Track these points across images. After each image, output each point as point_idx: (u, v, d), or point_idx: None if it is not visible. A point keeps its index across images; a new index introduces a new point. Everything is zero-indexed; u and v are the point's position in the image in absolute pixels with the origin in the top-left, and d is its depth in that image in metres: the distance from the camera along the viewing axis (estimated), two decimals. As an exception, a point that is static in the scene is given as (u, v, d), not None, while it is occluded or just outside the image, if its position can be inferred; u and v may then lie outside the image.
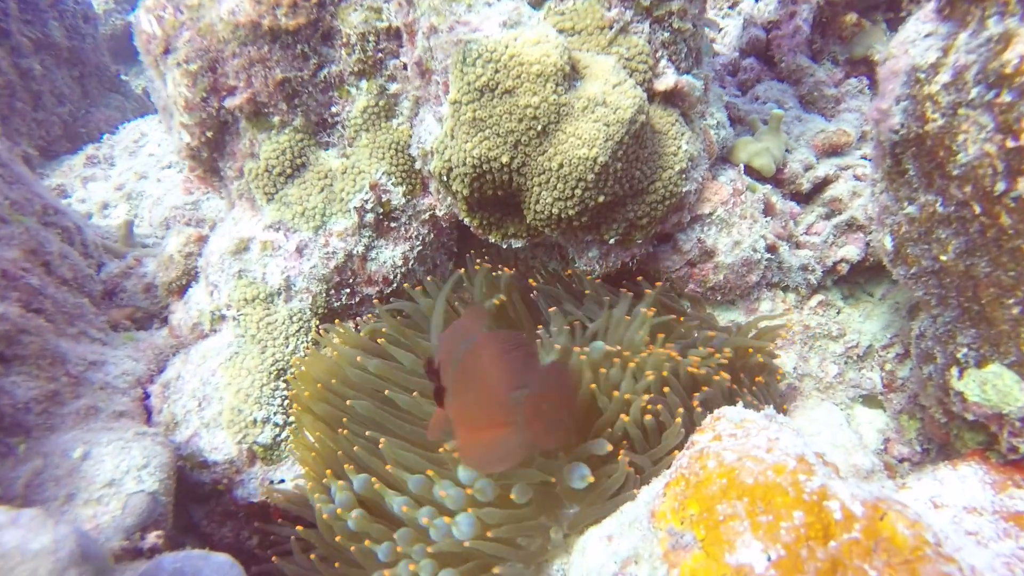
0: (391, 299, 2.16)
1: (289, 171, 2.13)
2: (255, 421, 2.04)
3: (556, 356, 1.67)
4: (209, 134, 2.15)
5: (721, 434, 1.30)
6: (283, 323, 2.10)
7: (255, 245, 2.15)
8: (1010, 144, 1.23)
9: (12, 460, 1.58)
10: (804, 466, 1.18)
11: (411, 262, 2.15)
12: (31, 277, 2.08)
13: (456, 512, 1.53)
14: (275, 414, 2.06)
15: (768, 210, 2.10)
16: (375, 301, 2.14)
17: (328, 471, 1.80)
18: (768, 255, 2.02)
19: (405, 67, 2.05)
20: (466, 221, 1.91)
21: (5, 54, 4.46)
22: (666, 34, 1.85)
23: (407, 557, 1.57)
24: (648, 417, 1.55)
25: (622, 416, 1.55)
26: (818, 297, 2.13)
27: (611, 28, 1.78)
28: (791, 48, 2.60)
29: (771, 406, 1.83)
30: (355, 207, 2.08)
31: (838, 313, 2.16)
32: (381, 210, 2.10)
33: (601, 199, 1.71)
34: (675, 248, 2.00)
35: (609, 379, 1.63)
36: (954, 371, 1.46)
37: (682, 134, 1.84)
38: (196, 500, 2.08)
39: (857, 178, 2.22)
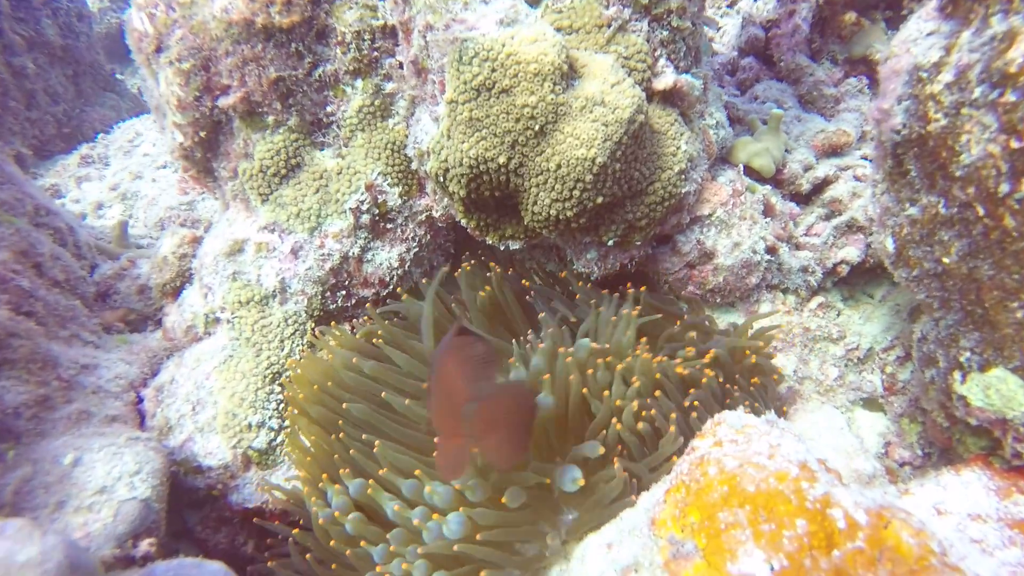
0: (387, 301, 2.14)
1: (284, 171, 2.10)
2: (250, 425, 2.01)
3: (539, 357, 1.66)
4: (203, 134, 2.13)
5: (722, 440, 1.28)
6: (278, 326, 2.08)
7: (250, 247, 2.12)
8: (1014, 145, 1.21)
9: (1, 467, 1.55)
10: (807, 473, 1.16)
11: (407, 264, 2.13)
12: (22, 279, 2.05)
13: (447, 511, 1.53)
14: (270, 418, 2.04)
15: (768, 211, 2.08)
16: (367, 305, 2.11)
17: (324, 475, 1.78)
18: (768, 257, 2.00)
19: (401, 66, 2.03)
20: (463, 222, 1.89)
21: (-2, 53, 4.43)
22: (665, 32, 1.83)
23: (401, 556, 1.56)
24: (641, 425, 1.55)
25: (615, 424, 1.53)
26: (818, 299, 2.11)
27: (609, 26, 1.76)
28: (790, 47, 2.58)
29: (772, 410, 1.83)
30: (351, 208, 2.06)
31: (838, 315, 2.14)
32: (377, 211, 2.08)
33: (600, 200, 1.69)
34: (674, 250, 1.98)
35: (598, 381, 1.61)
36: (957, 375, 1.44)
37: (681, 134, 1.82)
38: (190, 505, 2.06)
39: (857, 178, 2.20)
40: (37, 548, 1.05)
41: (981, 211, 1.30)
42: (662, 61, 1.81)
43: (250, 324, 2.08)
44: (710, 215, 1.95)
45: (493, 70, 1.61)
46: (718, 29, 3.14)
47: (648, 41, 1.79)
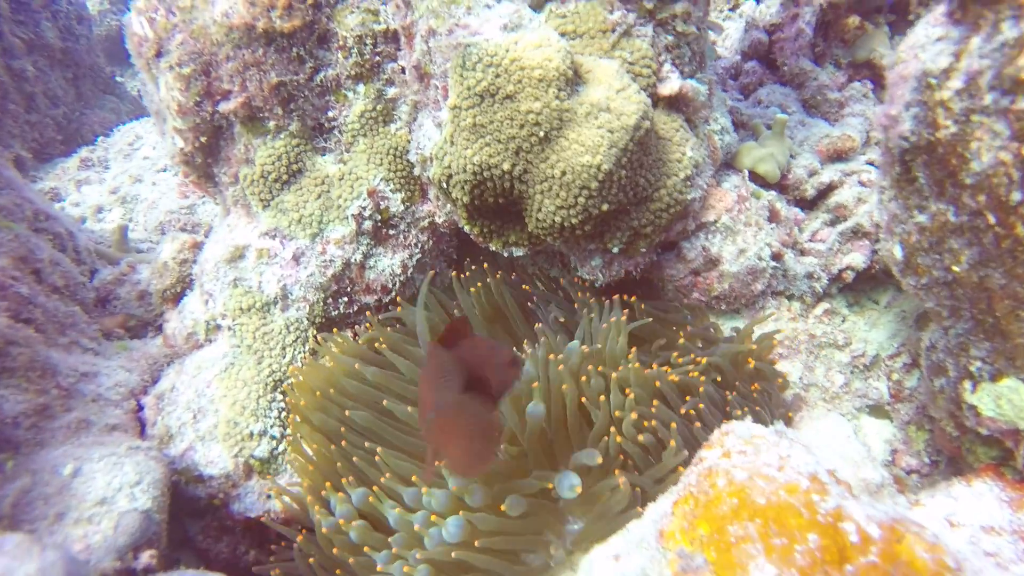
0: (390, 308, 2.13)
1: (285, 177, 2.08)
2: (251, 434, 1.99)
3: (531, 363, 1.66)
4: (203, 139, 2.11)
5: (730, 451, 1.27)
6: (280, 333, 2.06)
7: (251, 253, 2.11)
8: (1027, 153, 1.20)
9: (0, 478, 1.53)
10: (817, 485, 1.15)
11: (410, 270, 2.12)
12: (20, 286, 2.04)
13: (445, 515, 1.53)
14: (272, 426, 2.02)
15: (773, 217, 2.07)
16: (367, 313, 2.10)
17: (327, 483, 1.77)
18: (773, 263, 1.99)
19: (403, 71, 2.01)
20: (466, 229, 1.87)
21: (-3, 56, 4.41)
22: (670, 38, 1.81)
23: (403, 559, 1.55)
24: (642, 437, 1.54)
25: (616, 438, 1.54)
26: (823, 305, 2.10)
27: (614, 31, 1.75)
28: (794, 51, 2.56)
29: (778, 418, 1.81)
30: (353, 214, 2.04)
31: (843, 321, 2.13)
32: (379, 217, 2.06)
33: (605, 207, 1.67)
34: (679, 256, 1.96)
35: (592, 388, 1.61)
36: (967, 384, 1.42)
37: (687, 140, 1.81)
38: (191, 514, 2.04)
39: (862, 184, 2.19)
40: (36, 564, 1.04)
41: (992, 219, 1.28)
42: (667, 66, 1.79)
43: (251, 331, 2.06)
44: (715, 221, 1.94)
45: (497, 76, 1.60)
46: (721, 33, 3.13)
47: (653, 46, 1.78)
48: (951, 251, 1.39)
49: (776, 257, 2.01)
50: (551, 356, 1.64)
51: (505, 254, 1.89)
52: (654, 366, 1.73)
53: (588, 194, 1.64)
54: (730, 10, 3.28)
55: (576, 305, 2.00)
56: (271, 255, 2.08)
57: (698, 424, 1.60)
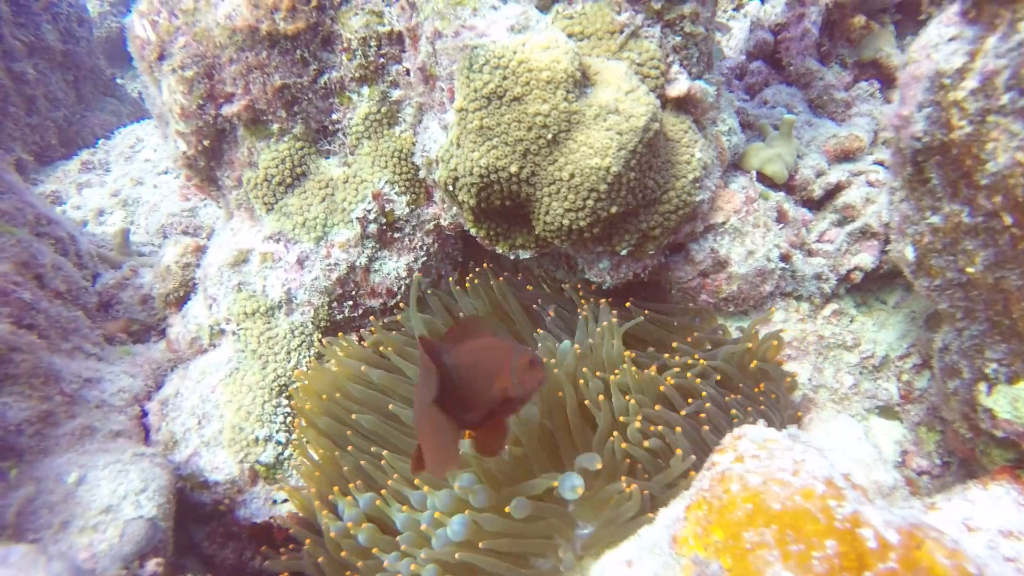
0: (395, 311, 2.11)
1: (289, 180, 2.07)
2: (257, 439, 1.98)
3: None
4: (206, 142, 2.10)
5: (743, 455, 1.25)
6: (284, 337, 2.04)
7: (255, 257, 2.09)
8: (1043, 153, 1.18)
9: (3, 486, 1.51)
10: (833, 490, 1.13)
11: (415, 273, 2.10)
12: (23, 291, 2.02)
13: (449, 514, 1.53)
14: (277, 432, 2.00)
15: (781, 218, 2.05)
16: (372, 317, 2.08)
17: (335, 487, 1.76)
18: (782, 264, 1.97)
19: (408, 73, 2.00)
20: (472, 232, 1.86)
21: (-3, 59, 4.40)
22: (677, 39, 1.80)
23: (411, 557, 1.56)
24: (647, 443, 1.53)
25: (622, 443, 1.53)
26: (832, 306, 2.08)
27: (622, 32, 1.73)
28: (800, 51, 2.55)
29: (786, 420, 1.80)
30: (357, 217, 2.02)
31: (851, 322, 2.11)
32: (384, 220, 2.05)
33: (614, 210, 1.66)
34: (687, 258, 1.95)
35: (591, 390, 1.61)
36: (982, 387, 1.41)
37: (695, 142, 1.79)
38: (197, 520, 2.02)
39: (870, 184, 2.17)
40: (42, 575, 1.02)
41: (1008, 220, 1.27)
42: (675, 67, 1.78)
43: (256, 336, 2.05)
44: (724, 223, 1.92)
45: (504, 78, 1.58)
46: (727, 33, 3.11)
47: (661, 47, 1.76)
48: (965, 252, 1.38)
49: (784, 258, 1.99)
50: (545, 360, 1.63)
51: (512, 257, 1.87)
52: (653, 368, 1.72)
53: (597, 196, 1.63)
54: (734, 10, 3.26)
55: (579, 309, 1.98)
56: (275, 259, 2.06)
57: (705, 428, 1.58)
